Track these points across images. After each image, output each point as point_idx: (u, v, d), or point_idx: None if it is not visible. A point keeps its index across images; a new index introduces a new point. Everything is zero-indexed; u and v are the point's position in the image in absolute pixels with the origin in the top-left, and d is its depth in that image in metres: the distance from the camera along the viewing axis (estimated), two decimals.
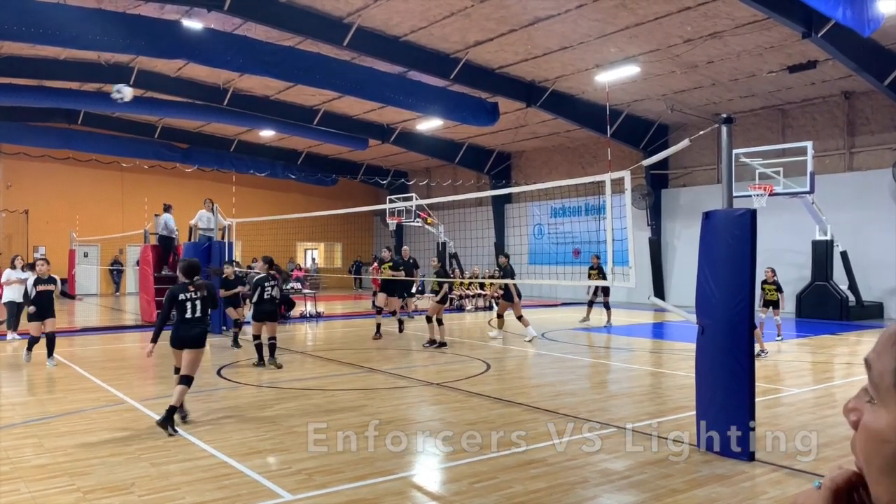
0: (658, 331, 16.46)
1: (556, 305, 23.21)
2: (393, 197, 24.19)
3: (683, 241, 22.68)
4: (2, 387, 8.70)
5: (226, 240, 15.44)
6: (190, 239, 16.36)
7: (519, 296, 13.44)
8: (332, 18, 15.63)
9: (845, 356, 11.69)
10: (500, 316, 13.96)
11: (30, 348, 10.13)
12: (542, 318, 18.89)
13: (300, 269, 27.77)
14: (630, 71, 17.36)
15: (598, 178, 7.36)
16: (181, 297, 6.60)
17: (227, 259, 13.80)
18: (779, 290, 13.21)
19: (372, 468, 5.19)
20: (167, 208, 17.27)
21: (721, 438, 5.51)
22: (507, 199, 28.72)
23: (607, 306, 16.27)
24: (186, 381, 6.52)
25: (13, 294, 12.78)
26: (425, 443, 6.07)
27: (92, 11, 14.29)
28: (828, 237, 17.60)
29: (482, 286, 21.52)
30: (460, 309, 20.89)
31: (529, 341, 12.83)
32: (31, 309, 10.11)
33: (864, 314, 17.49)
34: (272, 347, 10.04)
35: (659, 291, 22.60)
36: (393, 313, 14.25)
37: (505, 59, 18.02)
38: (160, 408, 7.23)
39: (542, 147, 27.84)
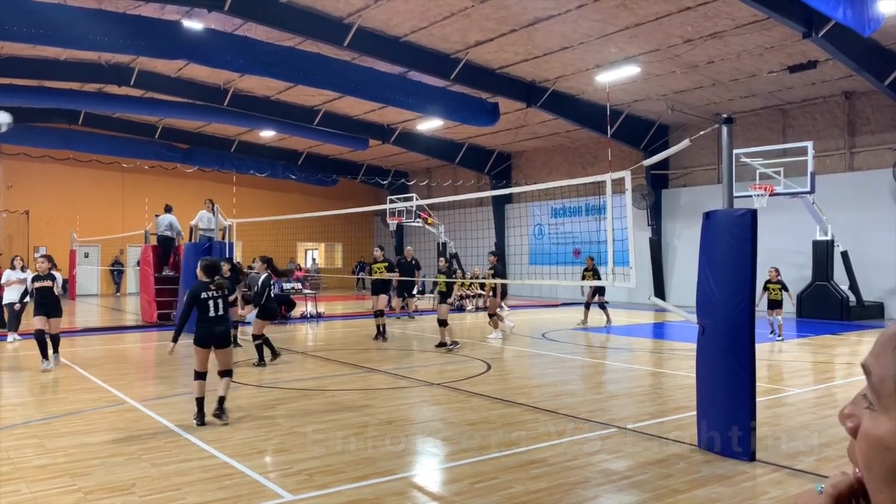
0: (658, 331, 16.45)
1: (556, 305, 23.21)
2: (393, 197, 24.20)
3: (684, 242, 22.68)
4: (3, 387, 8.70)
5: (226, 240, 15.44)
6: (190, 239, 16.36)
7: (504, 294, 13.50)
8: (333, 19, 15.63)
9: (846, 356, 11.68)
10: (493, 315, 13.87)
11: (43, 353, 9.64)
12: (543, 318, 18.90)
13: (300, 269, 27.78)
14: (630, 71, 17.36)
15: (598, 178, 7.36)
16: (203, 295, 6.68)
17: (224, 256, 13.73)
18: (784, 289, 13.26)
19: (373, 468, 5.19)
20: (169, 209, 17.28)
21: (722, 438, 5.51)
22: (508, 199, 28.73)
23: (603, 306, 16.26)
24: (228, 374, 6.80)
25: (13, 295, 12.76)
26: (426, 443, 6.08)
27: (92, 12, 14.29)
28: (828, 237, 17.60)
29: (482, 286, 21.49)
30: (461, 309, 20.89)
31: (493, 338, 12.97)
32: (25, 301, 10.18)
33: (864, 314, 17.48)
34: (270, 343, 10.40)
35: (659, 291, 22.60)
36: (380, 314, 13.32)
37: (505, 60, 18.02)
38: (161, 408, 7.24)
39: (542, 147, 27.84)
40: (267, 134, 26.60)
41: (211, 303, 6.68)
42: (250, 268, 18.63)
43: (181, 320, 6.76)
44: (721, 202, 5.86)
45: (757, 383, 5.59)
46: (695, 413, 5.88)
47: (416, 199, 20.14)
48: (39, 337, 9.67)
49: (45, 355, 9.65)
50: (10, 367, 10.39)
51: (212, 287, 6.75)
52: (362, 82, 17.68)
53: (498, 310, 13.60)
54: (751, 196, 15.83)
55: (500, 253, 27.79)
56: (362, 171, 32.87)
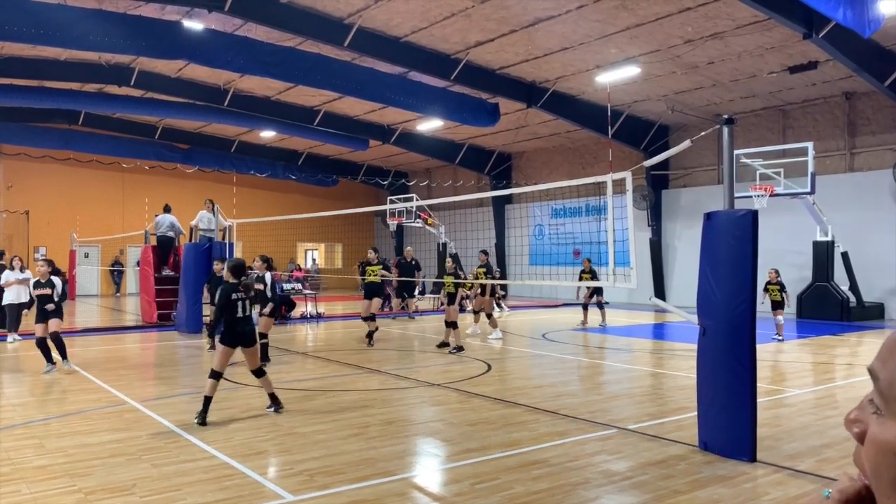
0: (658, 331, 16.45)
1: (556, 306, 23.21)
2: (393, 197, 24.19)
3: (684, 242, 22.68)
4: (3, 388, 8.70)
5: (226, 240, 15.43)
6: (191, 240, 16.34)
7: (492, 293, 13.43)
8: (333, 19, 15.63)
9: (846, 357, 11.68)
10: (489, 315, 13.85)
11: (47, 357, 9.49)
12: (543, 318, 18.90)
13: (300, 269, 27.78)
14: (630, 72, 17.37)
15: (599, 178, 7.35)
16: (234, 296, 6.82)
17: (219, 257, 13.62)
18: (782, 289, 13.27)
19: (373, 469, 5.19)
20: (168, 209, 17.27)
21: (723, 439, 5.51)
22: (508, 199, 28.73)
23: (601, 306, 16.26)
24: (262, 372, 7.03)
25: (13, 296, 12.76)
26: (427, 443, 6.07)
27: (93, 12, 14.29)
28: (829, 238, 17.60)
29: (483, 287, 21.44)
30: (461, 310, 20.84)
31: (493, 338, 12.94)
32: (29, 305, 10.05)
33: (864, 315, 17.48)
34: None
35: (659, 292, 22.60)
36: (371, 318, 12.75)
37: (505, 60, 18.02)
38: (161, 409, 7.24)
39: (542, 148, 27.84)
40: (267, 134, 26.60)
41: (239, 304, 6.85)
42: (250, 268, 18.63)
43: (217, 319, 6.92)
44: (721, 203, 5.86)
45: (757, 384, 5.58)
46: (695, 414, 5.88)
47: (417, 200, 20.16)
48: (40, 344, 9.60)
49: (48, 359, 9.54)
50: (10, 367, 10.38)
51: (240, 288, 6.90)
52: (362, 83, 17.68)
53: (495, 311, 13.60)
54: (751, 196, 15.83)
55: (500, 253, 27.92)
56: (362, 171, 32.87)
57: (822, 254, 17.66)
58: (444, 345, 12.12)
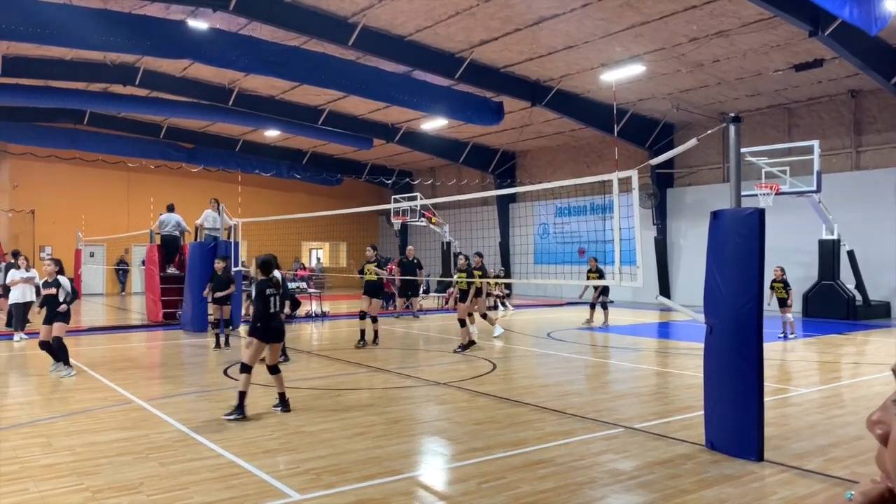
0: (664, 330, 16.42)
1: (561, 305, 23.18)
2: (398, 196, 24.21)
3: (689, 241, 22.64)
4: (10, 386, 8.73)
5: (231, 239, 15.46)
6: (196, 239, 16.38)
7: (488, 294, 13.12)
8: (338, 18, 15.64)
9: (853, 356, 11.64)
10: (483, 316, 13.37)
11: (54, 357, 9.39)
12: (548, 317, 18.88)
13: (304, 268, 27.81)
14: (635, 70, 17.33)
15: (605, 177, 7.33)
16: (268, 291, 6.95)
17: (220, 255, 13.60)
18: (786, 287, 13.25)
19: (379, 468, 5.19)
20: (171, 208, 17.30)
21: (730, 438, 5.49)
22: (512, 198, 28.71)
23: (605, 306, 16.20)
24: (277, 370, 7.09)
25: (18, 295, 12.80)
26: (433, 442, 6.07)
27: (98, 12, 14.33)
28: (834, 236, 17.54)
29: (478, 289, 21.36)
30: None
31: (463, 348, 11.84)
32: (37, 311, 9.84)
33: (871, 313, 17.42)
34: None
35: (664, 291, 22.56)
36: (374, 319, 12.49)
37: (510, 59, 18.00)
38: (167, 407, 7.26)
39: (546, 146, 27.81)
40: (272, 133, 26.63)
41: (272, 299, 6.96)
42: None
43: (257, 316, 6.95)
44: (726, 201, 5.84)
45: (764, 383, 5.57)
46: (702, 413, 5.86)
47: (421, 199, 20.14)
48: (42, 347, 9.44)
49: (55, 359, 9.43)
50: (17, 366, 10.42)
51: (271, 283, 7.00)
52: (367, 81, 17.69)
53: (500, 310, 13.43)
54: (756, 195, 15.79)
55: (504, 252, 27.90)
56: (367, 170, 32.89)
57: (828, 252, 17.60)
58: (470, 343, 11.84)
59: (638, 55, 16.87)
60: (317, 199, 31.93)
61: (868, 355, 11.71)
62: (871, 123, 18.92)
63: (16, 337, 12.97)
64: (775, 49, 15.96)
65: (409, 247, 21.14)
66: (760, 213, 5.51)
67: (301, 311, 17.89)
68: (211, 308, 12.40)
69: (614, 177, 6.97)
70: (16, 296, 12.84)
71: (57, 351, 9.33)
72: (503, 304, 21.00)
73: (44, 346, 9.36)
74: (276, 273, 9.91)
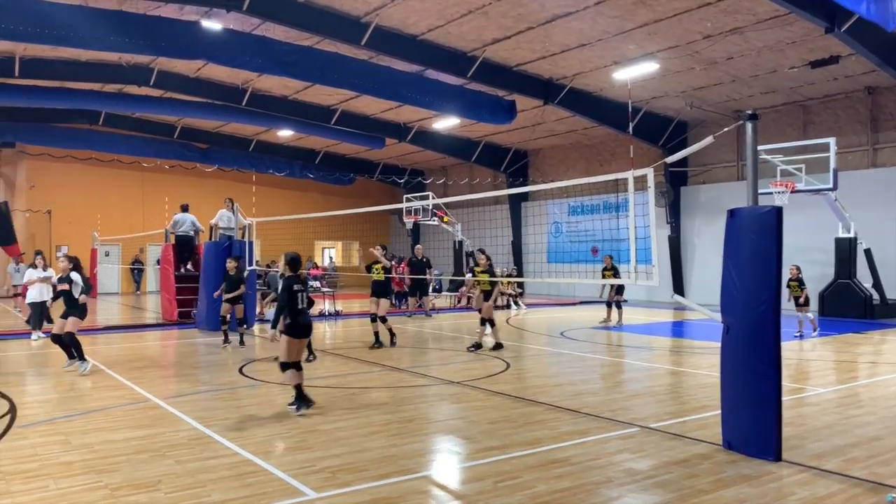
0: (678, 329, 16.33)
1: (574, 304, 23.12)
2: (410, 196, 24.23)
3: (703, 239, 22.50)
4: (28, 385, 8.82)
5: (246, 239, 15.54)
6: (211, 238, 16.50)
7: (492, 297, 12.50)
8: (350, 18, 15.67)
9: (870, 355, 11.52)
10: (486, 321, 12.86)
11: (67, 353, 9.51)
12: (561, 316, 18.84)
13: (317, 267, 27.89)
14: (649, 68, 17.25)
15: (620, 175, 7.30)
16: (295, 287, 7.04)
17: (232, 254, 13.65)
18: (801, 285, 13.16)
19: (395, 466, 5.20)
20: (185, 208, 17.41)
21: (747, 438, 5.45)
22: (524, 197, 28.66)
23: (619, 305, 16.13)
24: (288, 366, 7.06)
25: (36, 294, 12.92)
26: (448, 441, 6.07)
27: (113, 13, 14.45)
28: (851, 234, 17.37)
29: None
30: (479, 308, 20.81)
31: (474, 347, 11.70)
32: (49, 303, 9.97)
33: (888, 312, 17.25)
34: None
35: (678, 289, 22.44)
36: (383, 320, 12.16)
37: (522, 57, 17.96)
38: (184, 406, 7.30)
39: (559, 145, 27.74)
40: (285, 133, 26.74)
41: (300, 295, 7.06)
42: (269, 266, 18.76)
43: (280, 311, 7.03)
44: (741, 199, 5.80)
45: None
46: (718, 412, 5.82)
47: (433, 198, 20.16)
48: (54, 340, 9.60)
49: (69, 355, 9.63)
50: (35, 364, 10.53)
51: (299, 280, 7.13)
52: (379, 81, 17.73)
53: (513, 309, 13.27)
54: (771, 193, 15.66)
55: (516, 251, 27.85)
56: (379, 169, 32.96)
57: (845, 250, 17.44)
58: (497, 346, 11.70)
59: (651, 53, 16.78)
60: (330, 198, 32.05)
61: (885, 354, 11.58)
62: (888, 120, 18.71)
63: (33, 335, 13.11)
64: (790, 46, 15.82)
65: (418, 246, 21.16)
66: (778, 212, 5.46)
67: (314, 310, 17.96)
68: (224, 307, 12.51)
69: (630, 175, 6.94)
70: (33, 295, 12.96)
71: (69, 346, 9.48)
72: (516, 303, 20.97)
73: (55, 339, 9.54)
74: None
